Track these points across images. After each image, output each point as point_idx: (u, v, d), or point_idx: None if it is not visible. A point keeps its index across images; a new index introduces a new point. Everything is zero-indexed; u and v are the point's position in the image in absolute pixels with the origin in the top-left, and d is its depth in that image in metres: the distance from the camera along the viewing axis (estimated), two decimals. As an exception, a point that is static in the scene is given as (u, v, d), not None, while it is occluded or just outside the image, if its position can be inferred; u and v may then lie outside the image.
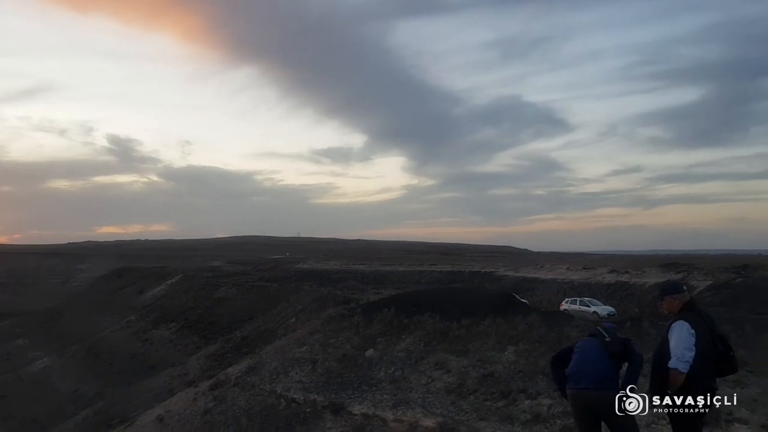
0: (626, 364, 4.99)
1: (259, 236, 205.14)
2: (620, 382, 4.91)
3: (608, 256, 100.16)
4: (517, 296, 48.60)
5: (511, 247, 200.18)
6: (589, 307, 42.50)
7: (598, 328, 4.98)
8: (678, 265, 56.93)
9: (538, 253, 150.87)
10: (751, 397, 22.78)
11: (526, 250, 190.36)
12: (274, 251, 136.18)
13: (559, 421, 21.15)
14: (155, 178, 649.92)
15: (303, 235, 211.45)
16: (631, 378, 4.82)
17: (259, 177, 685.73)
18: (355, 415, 23.83)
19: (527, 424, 22.22)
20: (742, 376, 23.83)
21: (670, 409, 5.00)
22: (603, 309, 42.70)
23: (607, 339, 4.80)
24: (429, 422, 22.41)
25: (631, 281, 54.71)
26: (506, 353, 28.07)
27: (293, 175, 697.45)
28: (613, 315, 41.09)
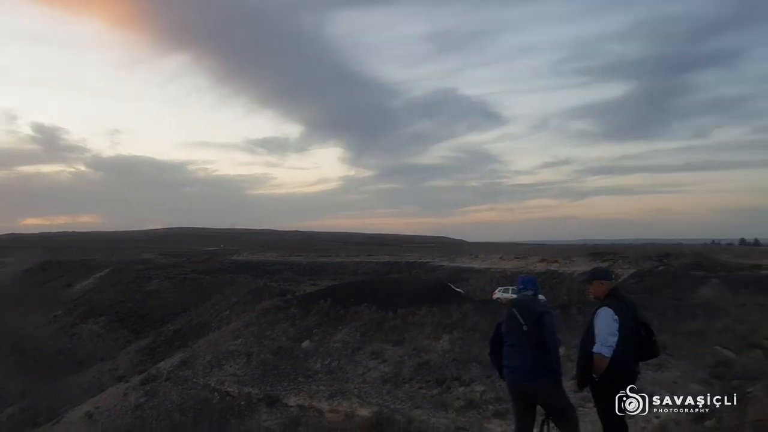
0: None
1: (193, 228, 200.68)
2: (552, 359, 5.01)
3: (539, 246, 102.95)
4: (452, 286, 49.33)
5: (447, 238, 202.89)
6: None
7: (514, 311, 5.04)
8: (604, 254, 59.02)
9: (473, 244, 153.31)
10: (670, 379, 23.91)
11: (462, 240, 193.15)
12: (208, 243, 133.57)
13: (491, 407, 21.65)
14: (83, 168, 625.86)
15: (238, 226, 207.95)
16: (555, 365, 4.93)
17: (192, 167, 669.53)
18: (291, 406, 23.75)
19: (461, 410, 22.67)
20: (663, 360, 24.94)
21: (595, 392, 5.17)
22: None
23: (525, 328, 4.88)
24: (365, 412, 22.56)
25: (561, 270, 56.40)
26: (441, 342, 28.55)
27: (228, 165, 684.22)
28: (544, 303, 42.23)
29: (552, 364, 4.88)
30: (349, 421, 21.97)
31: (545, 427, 4.99)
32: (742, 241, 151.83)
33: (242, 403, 24.29)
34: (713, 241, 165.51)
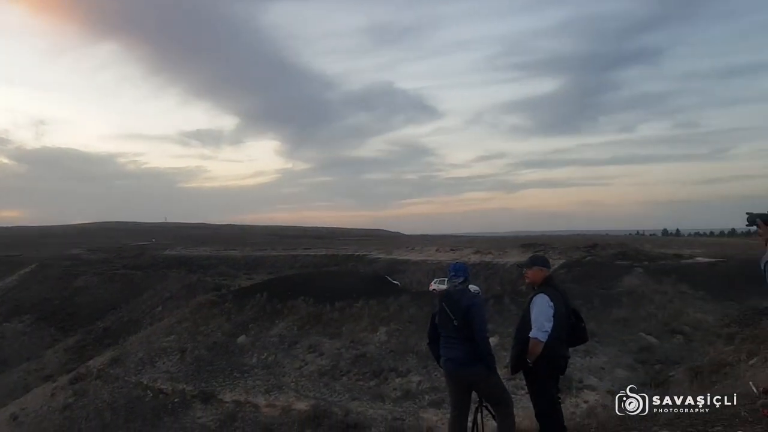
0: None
1: (123, 222, 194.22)
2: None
3: (474, 238, 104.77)
4: (389, 278, 49.70)
5: (384, 231, 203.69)
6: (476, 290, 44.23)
7: (444, 305, 5.16)
8: (536, 246, 60.59)
9: (410, 236, 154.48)
10: (598, 365, 24.91)
11: (399, 233, 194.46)
12: (140, 237, 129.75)
13: (428, 396, 22.07)
14: (5, 161, 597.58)
15: (170, 220, 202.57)
16: (487, 354, 5.06)
17: (122, 159, 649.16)
18: (227, 402, 23.52)
19: (398, 401, 23.01)
20: (590, 346, 25.96)
21: (528, 377, 5.36)
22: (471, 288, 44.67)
23: (455, 323, 5.01)
24: (302, 405, 22.59)
25: (495, 261, 57.54)
26: (378, 334, 28.81)
27: (159, 157, 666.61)
28: (478, 293, 43.12)
29: (484, 354, 5.03)
30: (286, 415, 21.93)
31: (480, 413, 5.15)
32: (665, 232, 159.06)
33: (176, 400, 23.85)
34: (638, 231, 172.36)
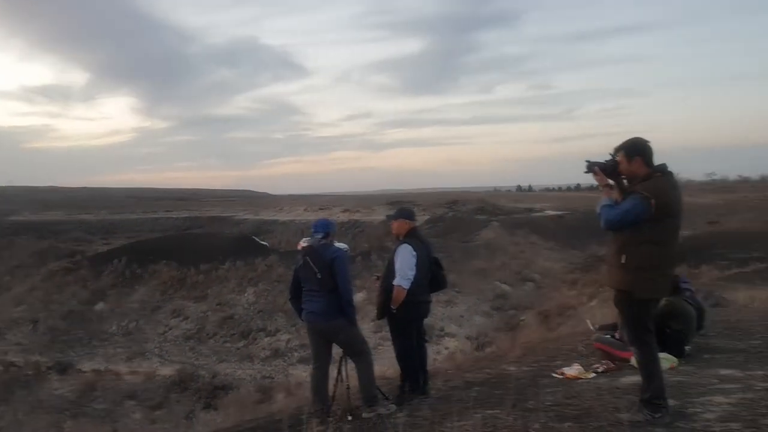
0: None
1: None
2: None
3: (342, 197, 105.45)
4: (256, 239, 48.99)
5: (251, 191, 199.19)
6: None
7: (307, 259, 5.26)
8: (402, 203, 62.17)
9: (278, 196, 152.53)
10: (458, 314, 26.37)
11: (266, 193, 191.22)
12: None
13: (296, 354, 22.32)
14: None
15: (16, 183, 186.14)
16: (349, 306, 5.22)
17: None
18: (85, 372, 22.48)
19: (267, 360, 23.10)
20: (451, 296, 27.38)
21: (392, 322, 5.61)
22: (337, 245, 45.23)
23: (319, 276, 5.13)
24: (167, 371, 22.06)
25: (362, 219, 58.50)
26: (246, 295, 28.58)
27: (0, 116, 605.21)
28: (347, 251, 43.83)
29: (347, 306, 5.20)
30: (150, 381, 21.34)
31: (342, 364, 5.33)
32: (519, 188, 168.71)
33: (29, 372, 22.44)
34: (495, 188, 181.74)
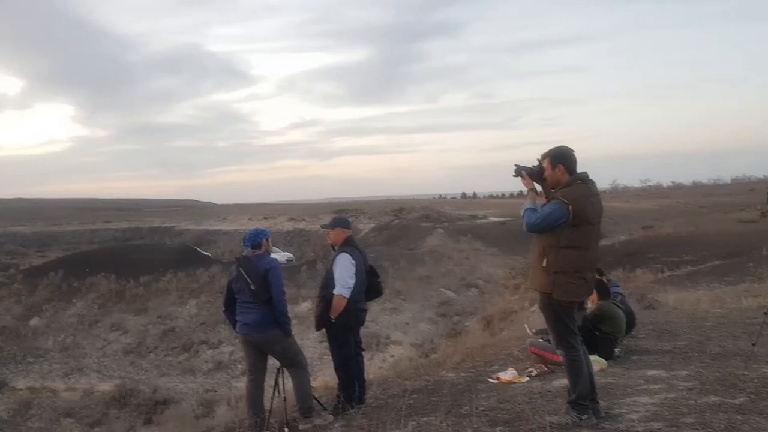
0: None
1: None
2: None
3: (288, 206, 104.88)
4: (199, 249, 48.20)
5: (194, 201, 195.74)
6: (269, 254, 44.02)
7: (240, 271, 5.21)
8: (348, 211, 62.21)
9: (222, 206, 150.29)
10: (403, 321, 26.51)
11: (210, 202, 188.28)
12: None
13: (240, 366, 21.97)
14: None
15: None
16: (283, 317, 5.19)
17: None
18: (20, 390, 21.66)
19: (209, 372, 22.71)
20: (397, 304, 27.53)
21: (330, 332, 5.61)
22: (282, 255, 44.83)
23: (253, 288, 5.09)
24: (106, 386, 21.44)
25: (308, 228, 58.21)
26: (188, 307, 28.06)
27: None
28: (292, 261, 43.48)
29: (281, 317, 5.17)
30: (88, 397, 20.72)
31: (280, 376, 5.29)
32: (463, 195, 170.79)
33: (-42, 393, 21.49)
34: (440, 195, 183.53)
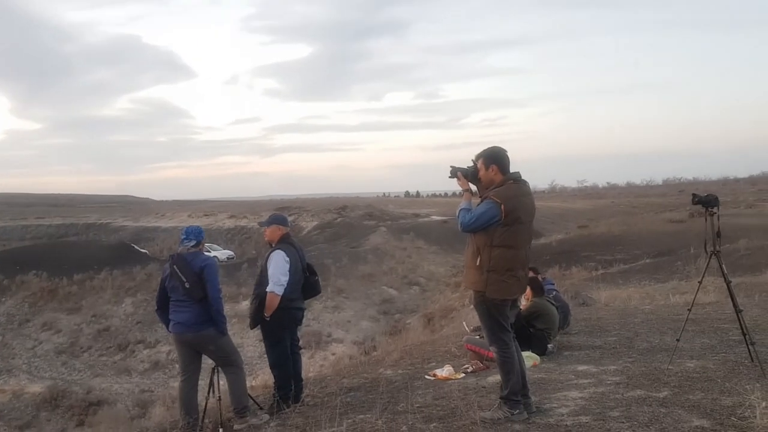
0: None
1: None
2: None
3: (229, 203, 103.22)
4: (135, 246, 47.03)
5: (132, 197, 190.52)
6: (209, 252, 43.31)
7: (174, 268, 5.10)
8: (290, 209, 61.76)
9: (161, 202, 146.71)
10: (345, 319, 26.52)
11: (148, 198, 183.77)
12: None
13: (177, 365, 21.60)
14: None
15: None
16: (218, 316, 5.10)
17: None
18: (-58, 393, 20.70)
19: (146, 372, 22.21)
20: (339, 302, 27.54)
21: (265, 330, 5.54)
22: (222, 253, 44.19)
23: (187, 285, 4.99)
24: (36, 388, 20.70)
25: (249, 225, 57.52)
26: (123, 305, 27.35)
27: None
28: (232, 258, 42.89)
29: (216, 316, 5.08)
30: (17, 399, 19.95)
31: (215, 375, 5.20)
32: (407, 193, 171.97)
33: None
34: (384, 193, 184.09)
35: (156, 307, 5.41)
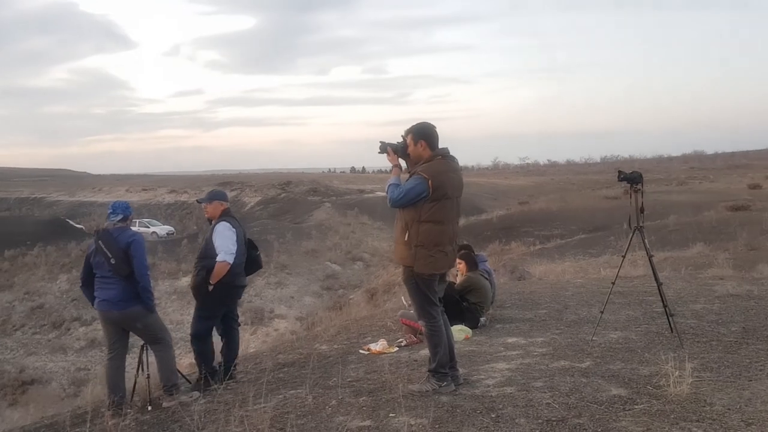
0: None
1: None
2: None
3: (169, 177, 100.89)
4: (71, 222, 45.61)
5: (68, 170, 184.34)
6: (148, 227, 42.42)
7: (100, 244, 4.97)
8: (233, 184, 60.85)
9: (98, 176, 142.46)
10: (288, 295, 26.45)
11: (85, 172, 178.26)
12: None
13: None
14: None
15: None
16: (146, 292, 5.01)
17: None
18: None
19: (82, 350, 21.70)
20: (282, 278, 27.40)
21: (203, 301, 5.47)
22: (162, 228, 43.29)
23: (113, 261, 4.87)
24: (-36, 368, 20.01)
25: (190, 200, 56.48)
26: (58, 282, 26.55)
27: None
28: (172, 233, 42.06)
29: (143, 293, 4.99)
30: (-57, 381, 19.23)
31: (144, 353, 5.12)
32: (353, 169, 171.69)
33: None
34: (329, 169, 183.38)
35: (81, 284, 5.28)
